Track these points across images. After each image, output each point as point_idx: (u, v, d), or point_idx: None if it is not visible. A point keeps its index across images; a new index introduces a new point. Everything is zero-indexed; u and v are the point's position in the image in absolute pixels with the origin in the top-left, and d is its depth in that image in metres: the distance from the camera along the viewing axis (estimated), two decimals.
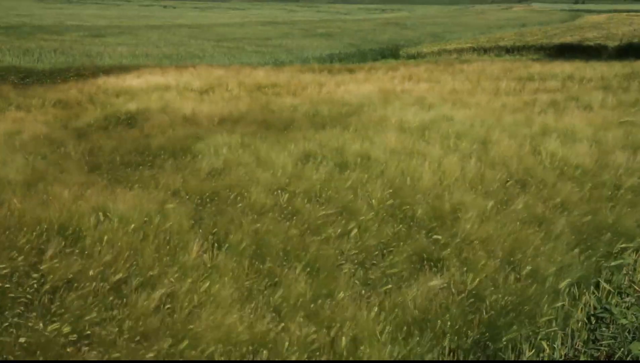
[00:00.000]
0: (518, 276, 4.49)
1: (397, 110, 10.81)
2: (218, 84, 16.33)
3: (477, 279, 4.36)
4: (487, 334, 3.84)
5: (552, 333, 3.80)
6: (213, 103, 12.81)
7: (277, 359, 3.56)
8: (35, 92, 14.83)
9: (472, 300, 4.16)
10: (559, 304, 4.05)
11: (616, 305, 3.99)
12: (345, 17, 76.76)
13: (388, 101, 12.39)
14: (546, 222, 5.44)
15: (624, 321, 3.72)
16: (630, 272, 4.60)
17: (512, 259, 4.73)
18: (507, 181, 6.56)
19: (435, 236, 5.13)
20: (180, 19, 63.36)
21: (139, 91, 14.57)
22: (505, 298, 4.11)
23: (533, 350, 3.68)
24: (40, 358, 3.41)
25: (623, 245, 4.92)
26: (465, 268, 4.55)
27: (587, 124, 9.19)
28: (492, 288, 4.26)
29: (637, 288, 4.30)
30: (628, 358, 3.54)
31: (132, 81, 16.62)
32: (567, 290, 4.28)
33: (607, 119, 9.73)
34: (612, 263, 4.55)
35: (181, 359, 3.51)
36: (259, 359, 3.57)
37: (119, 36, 38.44)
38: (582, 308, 4.05)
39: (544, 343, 3.70)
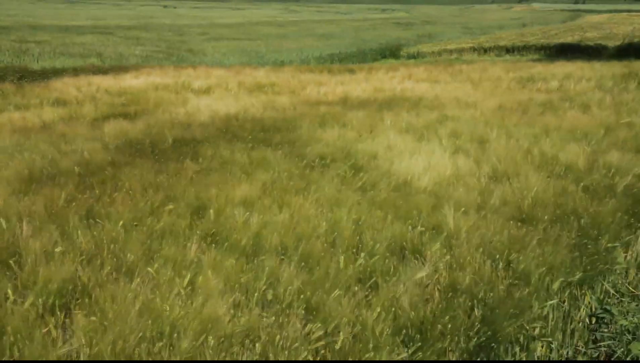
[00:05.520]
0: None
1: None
2: (217, 84, 16.30)
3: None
4: None
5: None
6: (212, 104, 12.77)
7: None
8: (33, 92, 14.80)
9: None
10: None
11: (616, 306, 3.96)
12: (346, 17, 76.85)
13: (385, 101, 12.37)
14: None
15: (624, 322, 3.70)
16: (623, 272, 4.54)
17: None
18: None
19: None
20: (181, 19, 63.43)
21: (137, 92, 14.52)
22: None
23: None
24: None
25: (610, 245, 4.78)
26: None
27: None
28: None
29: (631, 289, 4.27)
30: (628, 358, 3.53)
31: (130, 81, 16.59)
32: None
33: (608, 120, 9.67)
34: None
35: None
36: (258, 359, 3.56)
37: (119, 36, 38.46)
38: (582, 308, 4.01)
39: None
